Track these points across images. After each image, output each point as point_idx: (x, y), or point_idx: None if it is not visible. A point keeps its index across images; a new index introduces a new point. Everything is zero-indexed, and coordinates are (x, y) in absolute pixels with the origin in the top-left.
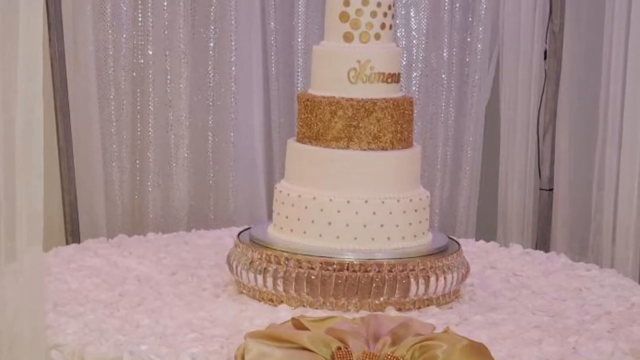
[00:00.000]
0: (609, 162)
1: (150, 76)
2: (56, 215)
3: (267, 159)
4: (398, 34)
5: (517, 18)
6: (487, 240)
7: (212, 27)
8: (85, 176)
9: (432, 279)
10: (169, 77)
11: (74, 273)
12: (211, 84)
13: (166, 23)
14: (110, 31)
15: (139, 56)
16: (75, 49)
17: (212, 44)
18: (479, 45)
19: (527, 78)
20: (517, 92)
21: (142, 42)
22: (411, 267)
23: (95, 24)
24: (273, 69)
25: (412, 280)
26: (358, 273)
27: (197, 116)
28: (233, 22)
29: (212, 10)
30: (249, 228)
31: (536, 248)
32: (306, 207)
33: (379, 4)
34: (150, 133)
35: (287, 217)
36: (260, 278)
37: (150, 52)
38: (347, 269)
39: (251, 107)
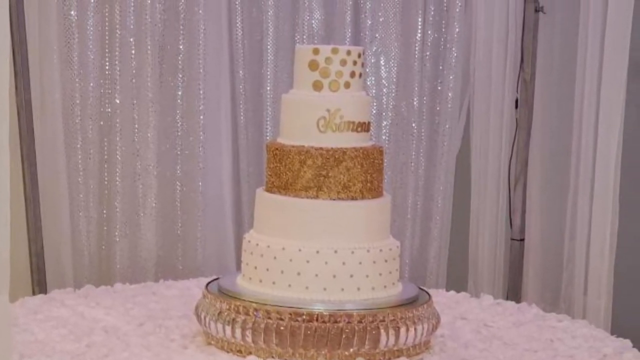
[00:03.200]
0: (580, 212)
1: (117, 125)
2: (22, 265)
3: (235, 209)
4: (368, 83)
5: (488, 66)
6: (458, 291)
7: (180, 76)
8: (52, 226)
9: (402, 329)
10: (136, 125)
11: (41, 324)
12: (179, 133)
13: (134, 71)
14: (77, 79)
15: (106, 105)
16: (42, 97)
17: (180, 93)
18: (450, 94)
19: (498, 127)
20: (488, 141)
21: (110, 91)
22: (381, 318)
23: (62, 72)
24: (242, 117)
25: (382, 331)
26: (327, 324)
27: (165, 165)
28: (201, 71)
29: (180, 58)
30: (217, 278)
31: (507, 298)
32: (275, 258)
33: (348, 52)
34: (117, 182)
35: (256, 267)
36: (228, 329)
37: (118, 101)
38: (317, 320)
39: (220, 156)
